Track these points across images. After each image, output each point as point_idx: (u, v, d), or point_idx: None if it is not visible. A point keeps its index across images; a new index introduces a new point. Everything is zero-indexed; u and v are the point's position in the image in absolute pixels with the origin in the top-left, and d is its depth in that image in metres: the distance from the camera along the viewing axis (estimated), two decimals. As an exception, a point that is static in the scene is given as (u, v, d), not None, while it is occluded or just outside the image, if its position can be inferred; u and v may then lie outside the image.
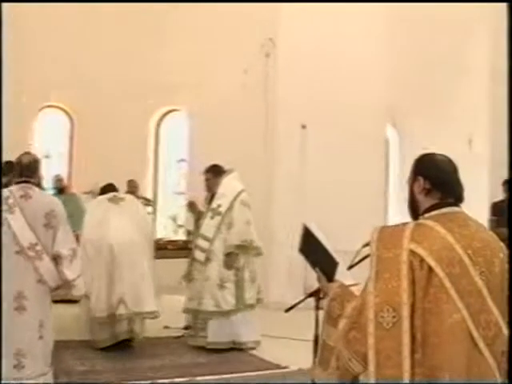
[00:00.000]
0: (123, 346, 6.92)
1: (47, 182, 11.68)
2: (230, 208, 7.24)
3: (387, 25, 10.92)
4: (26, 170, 5.01)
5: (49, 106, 12.43)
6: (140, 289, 6.84)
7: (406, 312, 2.48)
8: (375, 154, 11.28)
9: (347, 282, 3.07)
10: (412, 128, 13.14)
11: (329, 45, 10.46)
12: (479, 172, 11.94)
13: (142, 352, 6.87)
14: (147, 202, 10.56)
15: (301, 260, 10.19)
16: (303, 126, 10.46)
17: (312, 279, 9.76)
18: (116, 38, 11.72)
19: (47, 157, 12.50)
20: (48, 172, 11.96)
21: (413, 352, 2.46)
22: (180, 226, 10.85)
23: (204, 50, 11.28)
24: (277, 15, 10.51)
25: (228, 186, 7.40)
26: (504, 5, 10.07)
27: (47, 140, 12.60)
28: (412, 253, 2.51)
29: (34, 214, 4.89)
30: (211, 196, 7.49)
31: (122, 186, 9.72)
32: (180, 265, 7.96)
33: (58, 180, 10.75)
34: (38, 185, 5.10)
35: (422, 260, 2.50)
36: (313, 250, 3.11)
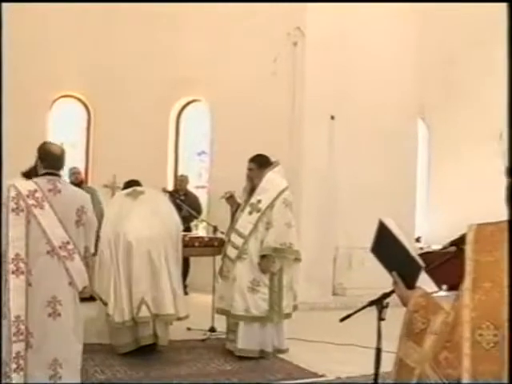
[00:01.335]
0: (146, 351, 6.41)
1: (63, 175, 11.32)
2: (271, 206, 6.66)
3: (416, 18, 10.59)
4: (57, 161, 4.55)
5: (64, 96, 11.94)
6: (160, 289, 6.35)
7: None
8: (405, 148, 10.88)
9: (428, 289, 2.58)
10: (441, 122, 12.71)
11: (357, 35, 10.11)
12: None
13: (166, 358, 6.38)
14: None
15: (329, 259, 9.76)
16: (332, 117, 9.99)
17: (341, 278, 9.41)
18: (134, 25, 11.27)
19: (63, 149, 12.09)
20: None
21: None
22: (202, 221, 10.38)
23: (227, 39, 10.79)
24: (305, 4, 10.02)
25: (272, 181, 6.80)
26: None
27: (62, 131, 12.09)
28: None
29: (65, 210, 4.43)
30: (251, 188, 6.90)
31: (143, 180, 9.32)
32: (207, 262, 7.51)
33: (74, 173, 10.26)
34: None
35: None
36: (389, 249, 2.61)
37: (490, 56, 11.72)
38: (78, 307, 4.55)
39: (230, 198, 7.11)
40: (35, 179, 4.49)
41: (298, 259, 6.81)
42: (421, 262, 2.48)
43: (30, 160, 9.33)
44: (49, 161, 4.52)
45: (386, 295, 3.12)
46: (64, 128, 12.13)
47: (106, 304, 6.44)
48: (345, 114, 9.99)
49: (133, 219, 6.51)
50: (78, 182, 10.06)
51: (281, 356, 6.68)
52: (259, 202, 6.70)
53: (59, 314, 4.35)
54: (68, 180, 10.24)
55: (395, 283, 2.57)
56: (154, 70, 11.28)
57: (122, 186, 9.39)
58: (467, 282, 2.15)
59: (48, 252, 4.34)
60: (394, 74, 10.47)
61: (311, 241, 9.65)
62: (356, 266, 10.12)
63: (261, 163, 6.88)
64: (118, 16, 11.13)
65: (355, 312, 3.39)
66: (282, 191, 6.72)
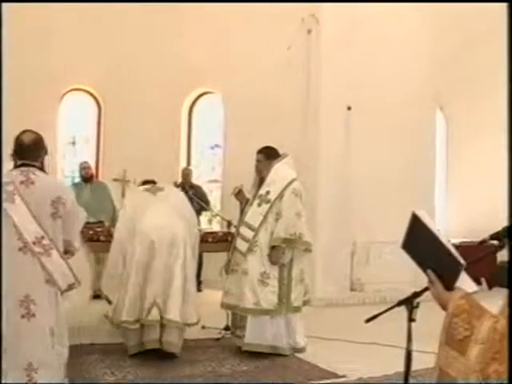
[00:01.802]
0: (159, 351, 6.11)
1: (73, 169, 11.13)
2: (280, 196, 6.47)
3: (433, 6, 10.19)
4: (28, 151, 4.23)
5: (75, 89, 11.70)
6: (169, 294, 6.01)
7: None
8: (423, 139, 10.63)
9: (468, 289, 2.30)
10: (460, 113, 12.40)
11: (373, 23, 9.83)
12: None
13: (179, 358, 6.06)
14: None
15: (346, 253, 9.44)
16: (349, 108, 9.71)
17: (359, 273, 9.13)
18: (145, 17, 11.01)
19: (73, 143, 11.92)
20: (74, 159, 11.41)
21: None
22: (216, 215, 10.14)
23: (239, 29, 10.50)
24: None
25: (280, 172, 6.61)
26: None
27: (73, 125, 11.91)
28: None
29: (39, 203, 4.10)
30: (260, 181, 6.72)
31: (154, 174, 9.09)
32: (221, 257, 7.27)
33: (84, 167, 10.02)
34: (41, 168, 4.29)
35: None
36: (424, 246, 2.33)
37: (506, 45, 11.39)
38: (61, 306, 4.24)
39: (239, 194, 6.91)
40: (12, 171, 4.20)
41: (308, 250, 6.62)
42: (462, 260, 2.21)
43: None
44: (19, 152, 4.24)
45: (417, 294, 2.86)
46: (75, 122, 11.91)
47: (110, 302, 6.20)
48: (361, 104, 9.71)
49: (154, 216, 6.22)
50: (89, 177, 9.87)
51: (299, 355, 6.40)
52: (268, 193, 6.53)
53: (33, 315, 4.02)
54: (78, 174, 10.08)
55: (431, 283, 2.29)
56: (165, 62, 11.04)
57: (132, 180, 9.25)
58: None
59: (20, 249, 4.03)
60: (411, 62, 10.19)
61: (327, 235, 9.41)
62: (374, 261, 9.87)
63: (269, 155, 6.72)
64: (129, 8, 10.87)
65: (382, 312, 3.15)
66: (291, 181, 6.54)
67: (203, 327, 7.20)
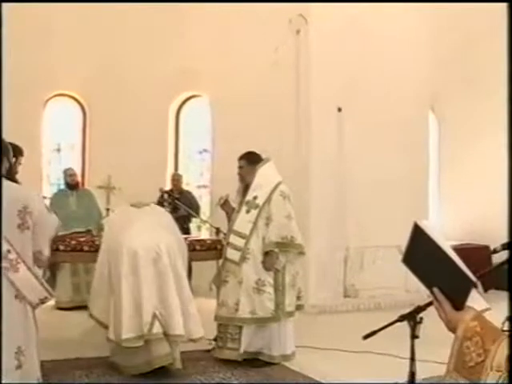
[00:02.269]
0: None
1: (59, 177, 10.86)
2: (269, 200, 6.29)
3: (429, 4, 9.97)
4: None
5: (59, 95, 11.42)
6: (167, 306, 5.69)
7: None
8: (417, 140, 10.41)
9: (478, 307, 2.06)
10: (453, 114, 12.20)
11: (365, 21, 9.57)
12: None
13: (167, 372, 5.76)
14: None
15: (339, 258, 9.20)
16: (339, 109, 9.48)
17: (353, 279, 8.91)
18: (131, 20, 10.75)
19: (58, 150, 11.64)
20: (59, 166, 11.16)
21: None
22: (204, 222, 9.89)
23: (227, 30, 10.26)
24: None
25: (265, 176, 6.44)
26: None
27: (58, 132, 11.62)
28: None
29: (4, 214, 3.79)
30: (244, 187, 6.52)
31: (142, 180, 8.87)
32: (210, 265, 7.03)
33: (70, 174, 9.74)
34: (9, 176, 4.02)
35: None
36: (429, 260, 2.07)
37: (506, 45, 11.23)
38: (31, 323, 3.99)
39: (225, 204, 6.68)
40: None
41: (301, 253, 6.47)
42: (473, 277, 1.97)
43: (25, 164, 8.79)
44: None
45: (420, 309, 2.64)
46: (60, 128, 11.64)
47: (106, 327, 5.85)
48: (353, 105, 9.48)
49: (137, 227, 5.93)
50: (75, 184, 9.64)
51: (292, 367, 6.17)
52: (255, 198, 6.35)
53: None
54: (63, 182, 9.82)
55: (437, 302, 2.05)
56: (150, 65, 10.77)
57: (117, 187, 9.00)
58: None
59: None
60: (404, 62, 9.95)
61: (320, 240, 9.19)
62: (368, 266, 9.65)
63: (251, 160, 6.55)
64: (115, 11, 10.58)
65: (381, 329, 2.95)
66: (278, 184, 6.39)
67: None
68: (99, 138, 11.13)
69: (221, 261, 6.63)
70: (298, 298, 6.56)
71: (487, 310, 2.11)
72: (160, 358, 5.66)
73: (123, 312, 5.56)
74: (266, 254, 6.21)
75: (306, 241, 8.95)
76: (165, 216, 6.54)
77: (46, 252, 4.18)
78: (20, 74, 10.20)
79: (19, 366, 3.87)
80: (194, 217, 9.61)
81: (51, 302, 8.86)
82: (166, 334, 5.63)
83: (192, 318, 5.83)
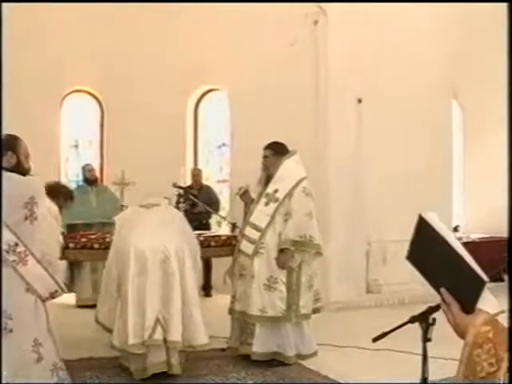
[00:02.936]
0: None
1: (77, 173, 10.81)
2: (290, 195, 6.04)
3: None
4: None
5: (76, 91, 11.32)
6: (169, 311, 5.50)
7: None
8: (439, 131, 10.19)
9: (491, 310, 1.86)
10: (476, 103, 11.90)
11: (384, 11, 9.30)
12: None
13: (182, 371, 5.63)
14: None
15: (361, 254, 8.95)
16: (359, 100, 9.27)
17: (375, 274, 8.68)
18: (147, 14, 10.60)
19: (76, 146, 11.56)
20: (77, 162, 11.11)
21: None
22: (224, 218, 9.72)
23: (244, 23, 10.06)
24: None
25: (289, 170, 6.20)
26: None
27: (75, 128, 11.53)
28: None
29: (10, 207, 3.69)
30: (267, 178, 6.28)
31: (160, 176, 8.72)
32: (228, 262, 6.87)
33: (89, 170, 9.72)
34: (19, 169, 3.92)
35: None
36: (435, 258, 1.87)
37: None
38: (42, 314, 3.89)
39: (245, 194, 6.46)
40: None
41: (319, 253, 6.19)
42: (484, 276, 1.77)
43: (43, 161, 8.79)
44: None
45: (432, 309, 2.43)
46: (77, 124, 11.55)
47: (110, 331, 5.72)
48: (373, 96, 9.28)
49: (145, 229, 5.76)
50: (94, 179, 9.60)
51: (309, 366, 5.99)
52: (276, 191, 6.10)
53: (11, 331, 3.67)
54: (82, 178, 9.74)
55: (445, 304, 1.86)
56: (168, 59, 10.62)
57: (132, 182, 8.92)
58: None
59: None
60: (424, 52, 9.71)
61: (341, 235, 9.00)
62: (391, 260, 9.42)
63: (277, 150, 6.30)
64: (131, 5, 10.47)
65: (392, 330, 2.77)
66: (301, 180, 6.12)
67: (210, 336, 6.81)
68: (117, 134, 11.01)
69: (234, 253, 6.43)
70: (316, 300, 6.34)
71: (501, 312, 1.92)
72: (155, 365, 5.52)
73: (129, 316, 5.41)
74: (281, 251, 5.98)
75: (326, 236, 8.80)
76: (175, 215, 6.28)
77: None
78: (37, 71, 10.18)
79: (40, 359, 3.80)
80: (212, 213, 9.46)
81: (72, 301, 8.86)
82: (165, 340, 5.45)
83: (194, 324, 5.61)
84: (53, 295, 3.95)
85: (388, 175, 9.31)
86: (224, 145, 11.41)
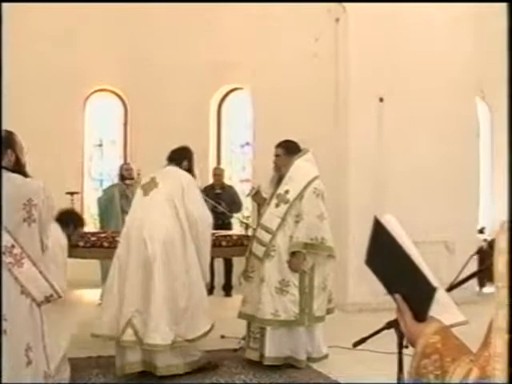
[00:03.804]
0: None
1: (101, 172, 10.84)
2: (300, 197, 5.91)
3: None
4: None
5: (100, 90, 11.39)
6: (148, 311, 5.33)
7: None
8: (464, 131, 9.94)
9: (449, 320, 1.77)
10: (504, 101, 11.63)
11: (406, 8, 9.17)
12: None
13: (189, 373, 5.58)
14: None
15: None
16: (380, 99, 9.15)
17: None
18: (170, 13, 10.58)
19: (100, 145, 11.60)
20: (101, 161, 11.14)
21: None
22: (247, 218, 9.66)
23: (266, 21, 10.01)
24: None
25: (300, 170, 6.06)
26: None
27: (99, 127, 11.60)
28: None
29: (8, 207, 3.63)
30: (279, 178, 6.18)
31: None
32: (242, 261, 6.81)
33: (127, 169, 9.46)
34: (19, 167, 3.87)
35: None
36: (390, 263, 1.79)
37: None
38: (37, 318, 3.83)
39: (256, 195, 6.37)
40: None
41: (331, 256, 6.05)
42: (433, 283, 1.68)
43: (68, 159, 8.78)
44: None
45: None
46: (101, 123, 11.62)
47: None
48: (395, 95, 9.15)
49: (136, 216, 5.64)
50: (131, 178, 9.41)
51: (319, 369, 5.90)
52: (287, 192, 5.97)
53: (4, 332, 3.59)
54: (118, 177, 9.60)
55: (399, 311, 1.78)
56: (191, 58, 10.62)
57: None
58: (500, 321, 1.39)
59: None
60: (448, 49, 9.54)
61: (359, 235, 8.84)
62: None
63: (288, 149, 6.18)
64: (152, 5, 10.48)
65: (370, 336, 2.68)
66: (313, 180, 5.97)
67: (222, 337, 6.79)
68: (140, 133, 11.04)
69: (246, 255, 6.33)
70: (329, 300, 6.22)
71: (462, 323, 1.83)
72: (130, 364, 5.44)
73: (110, 308, 5.44)
74: (293, 254, 5.86)
75: (344, 236, 8.71)
76: (175, 190, 5.77)
77: (45, 239, 4.01)
78: (61, 71, 10.26)
79: (29, 363, 3.77)
80: (229, 215, 9.37)
81: (97, 299, 8.85)
82: (141, 342, 5.33)
83: (187, 320, 5.49)
84: (48, 299, 3.91)
85: (410, 175, 9.18)
86: (247, 144, 11.36)
